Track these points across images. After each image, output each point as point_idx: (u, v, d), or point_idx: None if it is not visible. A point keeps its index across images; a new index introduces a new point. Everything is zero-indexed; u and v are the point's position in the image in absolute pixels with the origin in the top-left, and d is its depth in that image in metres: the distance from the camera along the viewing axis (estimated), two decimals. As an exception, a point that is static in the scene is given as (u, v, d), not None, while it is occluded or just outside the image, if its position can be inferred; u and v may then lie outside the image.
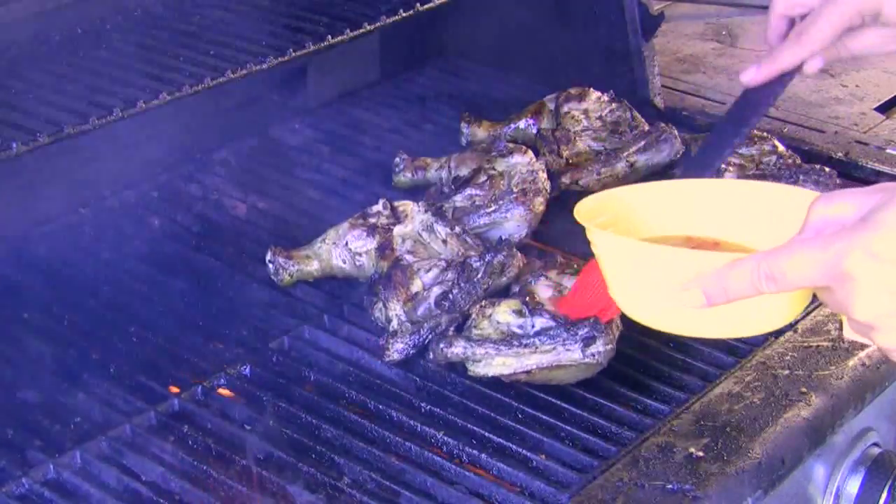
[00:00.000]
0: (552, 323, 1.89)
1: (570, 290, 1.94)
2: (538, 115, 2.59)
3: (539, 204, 2.27)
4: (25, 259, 2.22)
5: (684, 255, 1.41)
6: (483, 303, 1.96)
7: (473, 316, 1.94)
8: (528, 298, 1.95)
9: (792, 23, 1.77)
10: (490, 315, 1.93)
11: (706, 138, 1.92)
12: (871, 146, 2.66)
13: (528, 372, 1.88)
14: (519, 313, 1.92)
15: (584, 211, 1.48)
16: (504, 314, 1.92)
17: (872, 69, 3.04)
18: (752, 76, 1.75)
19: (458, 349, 1.89)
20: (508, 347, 1.87)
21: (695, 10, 3.38)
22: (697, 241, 1.53)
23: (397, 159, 2.46)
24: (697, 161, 1.85)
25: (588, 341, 1.86)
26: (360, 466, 1.76)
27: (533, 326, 1.90)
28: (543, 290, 1.97)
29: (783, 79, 1.74)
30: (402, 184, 2.44)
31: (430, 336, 1.94)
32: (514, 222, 2.23)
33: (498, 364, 1.88)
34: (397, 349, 1.94)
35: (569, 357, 1.86)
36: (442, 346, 1.90)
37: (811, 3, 1.73)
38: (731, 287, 1.31)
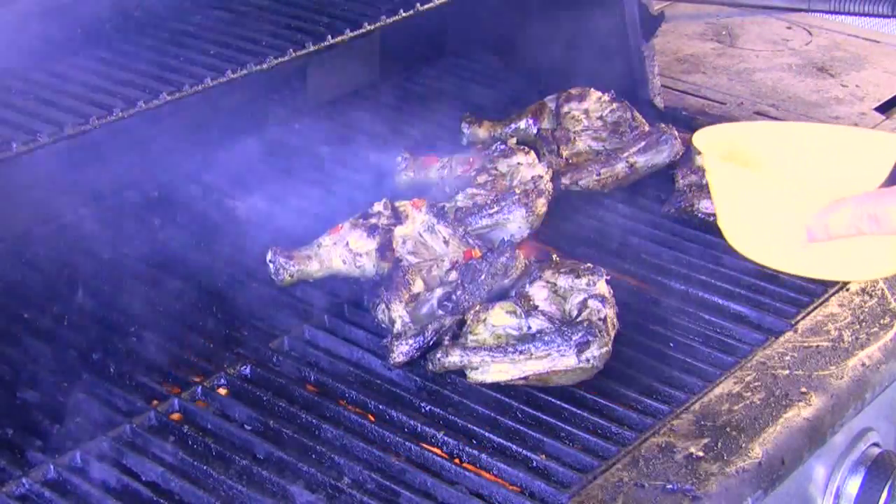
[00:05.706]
0: (547, 324, 1.89)
1: None
2: (538, 115, 2.59)
3: (541, 205, 2.26)
4: (25, 259, 2.22)
5: (789, 187, 1.45)
6: (477, 307, 1.95)
7: (469, 322, 1.94)
8: (522, 301, 1.95)
9: None
10: (485, 319, 1.92)
11: None
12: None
13: (525, 378, 1.88)
14: (514, 314, 1.91)
15: (704, 141, 1.54)
16: (499, 317, 1.92)
17: (872, 69, 3.04)
18: None
19: (454, 358, 1.89)
20: (504, 354, 1.87)
21: (695, 10, 3.38)
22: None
23: (399, 158, 2.46)
24: None
25: (582, 346, 1.86)
26: (360, 466, 1.76)
27: (529, 328, 1.90)
28: (539, 292, 1.97)
29: None
30: (403, 183, 2.44)
31: (434, 338, 1.93)
32: (515, 223, 2.23)
33: (495, 371, 1.88)
34: (402, 351, 1.93)
35: (563, 363, 1.86)
36: (439, 355, 1.90)
37: None
38: (832, 224, 1.35)
